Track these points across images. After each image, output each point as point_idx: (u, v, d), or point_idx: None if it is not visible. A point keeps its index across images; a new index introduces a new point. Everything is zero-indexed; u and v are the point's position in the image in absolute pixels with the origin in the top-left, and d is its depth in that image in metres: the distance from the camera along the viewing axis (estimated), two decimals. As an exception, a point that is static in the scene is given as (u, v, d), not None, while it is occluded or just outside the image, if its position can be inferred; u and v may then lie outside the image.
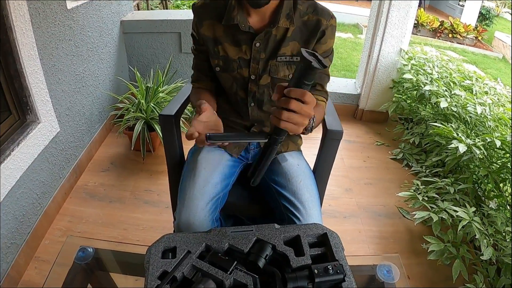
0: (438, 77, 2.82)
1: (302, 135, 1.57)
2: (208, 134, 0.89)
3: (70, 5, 2.37)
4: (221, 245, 0.99)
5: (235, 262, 0.94)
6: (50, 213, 2.31)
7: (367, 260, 1.26)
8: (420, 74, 2.94)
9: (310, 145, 1.84)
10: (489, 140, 2.06)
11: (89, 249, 1.32)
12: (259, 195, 1.51)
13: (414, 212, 2.05)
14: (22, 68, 1.94)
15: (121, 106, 2.83)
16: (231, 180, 1.46)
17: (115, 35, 3.13)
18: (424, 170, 2.66)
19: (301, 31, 1.27)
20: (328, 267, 0.92)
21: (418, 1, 3.09)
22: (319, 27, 1.25)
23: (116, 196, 2.53)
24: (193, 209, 1.27)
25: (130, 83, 2.93)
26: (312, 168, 1.53)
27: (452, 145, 2.12)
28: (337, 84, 3.61)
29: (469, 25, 8.55)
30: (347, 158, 2.99)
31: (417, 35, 8.07)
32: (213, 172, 1.38)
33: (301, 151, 1.58)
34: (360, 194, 2.61)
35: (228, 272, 0.91)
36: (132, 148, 2.86)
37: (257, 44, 1.27)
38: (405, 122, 3.25)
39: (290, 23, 1.24)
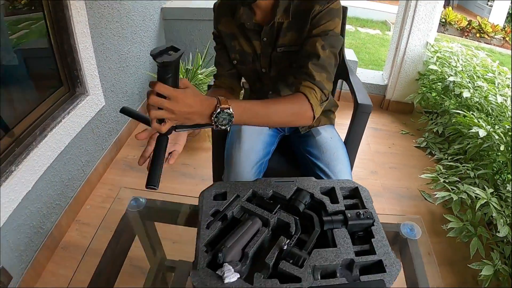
0: (462, 70, 2.92)
1: (333, 112, 1.68)
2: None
3: (118, -10, 2.54)
4: (266, 192, 1.13)
5: (279, 205, 1.08)
6: (92, 181, 2.49)
7: (392, 219, 1.38)
8: (445, 67, 3.04)
9: (342, 121, 1.97)
10: (508, 127, 2.16)
11: (141, 199, 1.44)
12: (295, 164, 1.63)
13: (435, 193, 2.16)
14: (76, 44, 2.09)
15: None
16: (271, 149, 1.59)
17: (156, 20, 3.30)
18: (446, 157, 2.76)
19: (297, 21, 1.26)
20: (360, 212, 1.05)
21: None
22: (310, 11, 1.22)
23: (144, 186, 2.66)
24: (240, 171, 1.40)
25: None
26: (343, 140, 1.64)
27: (473, 130, 2.22)
28: (365, 75, 3.73)
29: (497, 25, 8.48)
30: (373, 144, 3.11)
31: (444, 33, 8.05)
32: (256, 140, 1.50)
33: (333, 125, 1.68)
34: (384, 177, 2.72)
35: (273, 213, 1.05)
36: None
37: (265, 39, 1.33)
38: (430, 114, 3.35)
39: (286, 17, 1.25)
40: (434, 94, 3.19)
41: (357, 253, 0.97)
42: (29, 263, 1.90)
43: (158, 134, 0.98)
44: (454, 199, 2.07)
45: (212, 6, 1.44)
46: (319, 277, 0.93)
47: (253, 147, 1.47)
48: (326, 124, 1.63)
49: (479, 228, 1.97)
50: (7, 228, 1.71)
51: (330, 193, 1.16)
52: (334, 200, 1.12)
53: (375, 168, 2.82)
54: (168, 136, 0.99)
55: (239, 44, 1.39)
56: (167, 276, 1.65)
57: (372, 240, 1.00)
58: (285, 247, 0.96)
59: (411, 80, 3.44)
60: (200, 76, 2.87)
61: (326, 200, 1.11)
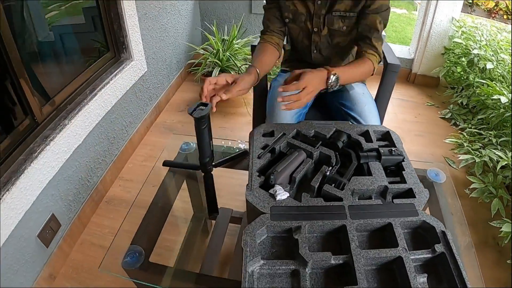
0: (486, 44, 2.99)
1: None
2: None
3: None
4: (308, 132, 1.28)
5: (320, 141, 1.24)
6: (134, 141, 2.68)
7: (419, 165, 1.51)
8: (470, 40, 3.11)
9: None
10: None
11: (192, 143, 1.61)
12: (330, 116, 1.77)
13: (459, 156, 2.28)
14: (122, 12, 2.24)
15: (200, 53, 3.16)
16: (309, 103, 1.73)
17: (191, -4, 3.44)
18: (470, 127, 2.85)
19: None
20: (392, 149, 1.20)
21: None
22: None
23: (193, 131, 2.79)
24: (280, 121, 1.55)
25: (208, 35, 3.23)
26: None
27: (495, 98, 2.32)
28: (392, 49, 3.78)
29: (526, 6, 8.34)
30: (399, 113, 3.21)
31: (471, 14, 7.96)
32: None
33: (365, 83, 1.81)
34: (410, 143, 2.83)
35: (316, 147, 1.20)
36: None
37: (319, 2, 1.48)
38: (454, 88, 3.40)
39: None
40: (459, 69, 3.25)
41: (390, 183, 1.11)
42: (76, 213, 2.06)
43: None
44: (476, 162, 2.18)
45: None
46: (357, 199, 1.08)
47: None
48: (358, 82, 1.75)
49: (500, 190, 2.07)
50: (58, 178, 1.87)
51: (365, 135, 1.30)
52: (369, 140, 1.27)
53: (402, 135, 2.81)
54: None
55: (293, 4, 1.54)
56: (208, 223, 1.83)
57: (403, 172, 1.14)
58: (327, 174, 1.11)
59: (437, 54, 3.50)
60: (235, 46, 3.03)
61: (361, 139, 1.25)
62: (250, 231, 0.96)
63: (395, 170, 1.19)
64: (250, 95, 1.88)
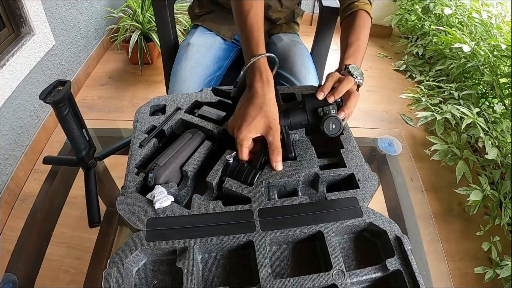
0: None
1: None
2: None
3: None
4: (212, 101, 0.96)
5: (225, 113, 0.91)
6: (48, 126, 2.35)
7: (368, 133, 1.23)
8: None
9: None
10: (494, 44, 2.00)
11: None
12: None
13: (417, 113, 2.03)
14: None
15: (117, 17, 2.83)
16: (225, 63, 1.43)
17: None
18: (428, 79, 2.62)
19: None
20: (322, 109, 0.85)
21: None
22: None
23: (115, 106, 2.56)
24: (184, 89, 1.26)
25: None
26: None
27: (456, 46, 2.06)
28: (337, -3, 3.50)
29: None
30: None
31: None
32: (205, 54, 1.35)
33: (298, 34, 1.53)
34: (362, 100, 2.57)
35: (220, 123, 0.89)
36: (130, 60, 2.88)
37: None
38: (409, 38, 3.20)
39: None
40: (413, 17, 3.01)
41: (323, 168, 0.81)
42: (-14, 220, 1.76)
43: None
44: (437, 119, 1.94)
45: None
46: (276, 197, 0.77)
47: (201, 61, 1.32)
48: (288, 32, 1.48)
49: (465, 151, 1.86)
50: None
51: (291, 99, 0.99)
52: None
53: None
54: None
55: None
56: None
57: (341, 150, 0.83)
58: (231, 162, 0.78)
59: (388, 1, 3.25)
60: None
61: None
62: (117, 259, 0.65)
63: (333, 151, 0.87)
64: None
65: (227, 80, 1.42)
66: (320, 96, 0.82)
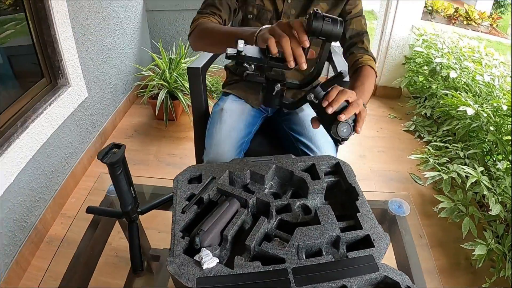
0: (448, 52, 2.89)
1: None
2: None
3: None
4: (243, 172, 1.08)
5: (257, 184, 1.05)
6: (76, 174, 2.44)
7: (379, 196, 1.35)
8: (431, 49, 3.01)
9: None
10: (496, 105, 2.13)
11: None
12: (278, 143, 1.60)
13: (425, 173, 2.14)
14: (56, 34, 2.05)
15: (146, 74, 2.98)
16: (253, 129, 1.56)
17: (138, 12, 3.27)
18: (435, 140, 2.72)
19: None
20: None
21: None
22: None
23: (140, 159, 2.65)
24: (221, 151, 1.36)
25: (153, 54, 3.05)
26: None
27: (461, 109, 2.20)
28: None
29: (484, 12, 8.48)
30: (360, 128, 3.07)
31: (431, 21, 8.02)
32: (238, 119, 1.48)
33: None
34: (373, 160, 2.70)
35: (252, 193, 1.01)
36: (156, 116, 3.01)
37: (289, 1, 1.37)
38: (417, 98, 3.31)
39: None
40: (421, 78, 3.16)
41: (343, 230, 0.93)
42: (14, 258, 1.84)
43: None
44: (444, 179, 2.04)
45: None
46: (304, 257, 0.89)
47: (235, 125, 1.45)
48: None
49: (471, 208, 1.94)
50: None
51: (311, 169, 1.12)
52: (315, 176, 1.08)
53: (363, 152, 2.79)
54: None
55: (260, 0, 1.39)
56: (151, 264, 1.61)
57: (358, 214, 0.96)
58: (266, 228, 0.92)
59: (397, 64, 3.41)
60: (183, 65, 2.86)
61: (306, 177, 1.06)
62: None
63: (349, 213, 1.00)
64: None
65: (255, 145, 1.55)
66: (329, 110, 0.92)
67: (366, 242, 0.91)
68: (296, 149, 1.44)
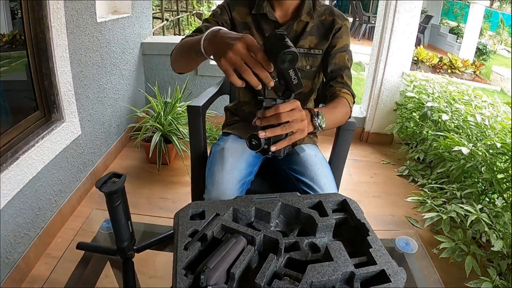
0: (439, 96, 2.96)
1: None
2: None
3: (99, 19, 2.56)
4: (248, 209, 1.04)
5: (264, 222, 1.01)
6: (64, 213, 2.36)
7: (386, 235, 1.32)
8: (422, 94, 3.08)
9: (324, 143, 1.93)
10: (489, 143, 2.16)
11: None
12: (278, 184, 1.58)
13: (423, 215, 2.13)
14: (54, 67, 2.05)
15: (140, 116, 2.99)
16: (254, 169, 1.54)
17: (135, 55, 3.31)
18: (430, 182, 2.74)
19: (318, 28, 1.45)
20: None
21: (417, 27, 3.29)
22: (334, 24, 1.43)
23: (131, 202, 2.50)
24: (223, 189, 1.33)
25: (149, 97, 3.07)
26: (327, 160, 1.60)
27: (455, 149, 2.22)
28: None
29: (467, 60, 8.77)
30: (355, 174, 3.08)
31: (417, 71, 8.25)
32: (239, 159, 1.45)
33: (317, 145, 1.67)
34: (368, 205, 2.67)
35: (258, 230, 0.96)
36: (148, 159, 2.98)
37: None
38: (409, 144, 3.36)
39: (311, 18, 1.42)
40: (412, 124, 3.21)
41: (356, 266, 0.90)
42: (-9, 297, 1.74)
43: None
44: (443, 219, 2.04)
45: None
46: (317, 294, 0.85)
47: (236, 165, 1.43)
48: (309, 143, 1.63)
49: (472, 246, 1.94)
50: None
51: (318, 207, 1.09)
52: (323, 213, 1.05)
53: (359, 198, 2.72)
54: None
55: (251, 34, 1.38)
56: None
57: (370, 250, 0.93)
58: (275, 266, 0.88)
59: (389, 111, 3.47)
60: (179, 109, 2.88)
61: (314, 214, 1.03)
62: None
63: (361, 249, 0.97)
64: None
65: (255, 186, 1.52)
66: (256, 122, 0.96)
67: (381, 278, 0.88)
68: (298, 189, 1.42)
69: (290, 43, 0.84)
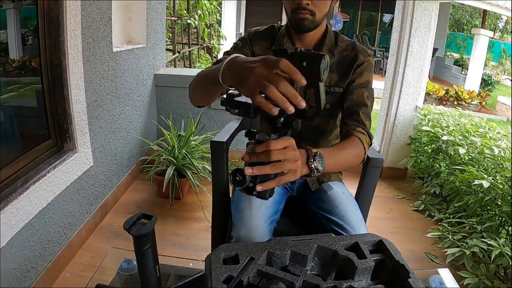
0: (453, 129, 2.95)
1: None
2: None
3: (115, 48, 2.57)
4: (283, 252, 0.99)
5: (302, 266, 0.96)
6: (73, 246, 2.30)
7: (419, 274, 1.27)
8: (436, 127, 3.07)
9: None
10: (508, 176, 2.15)
11: (134, 262, 1.23)
12: (306, 224, 1.53)
13: (445, 251, 2.08)
14: (69, 95, 2.03)
15: (155, 149, 2.96)
16: (280, 208, 1.50)
17: (148, 86, 3.33)
18: (447, 217, 2.70)
19: (340, 64, 1.38)
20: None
21: (430, 61, 3.32)
22: (355, 60, 1.37)
23: None
24: (252, 226, 1.29)
25: (163, 129, 3.05)
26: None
27: (476, 183, 2.20)
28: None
29: (473, 91, 8.82)
30: (371, 210, 2.99)
31: (424, 104, 8.29)
32: None
33: (343, 181, 1.63)
34: (386, 242, 2.62)
35: (298, 275, 0.92)
36: (160, 193, 2.94)
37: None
38: (422, 179, 3.34)
39: (332, 55, 1.36)
40: (425, 157, 3.20)
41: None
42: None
43: None
44: (466, 254, 2.02)
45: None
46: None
47: (263, 202, 1.37)
48: (336, 180, 1.58)
49: (495, 281, 1.92)
50: None
51: (354, 248, 1.05)
52: (361, 255, 1.01)
53: (376, 233, 2.71)
54: None
55: None
56: None
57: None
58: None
59: (402, 145, 3.46)
60: (193, 142, 2.86)
61: (352, 256, 0.99)
62: None
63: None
64: (208, 198, 1.61)
65: (280, 226, 1.47)
66: (244, 158, 0.89)
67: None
68: (326, 228, 1.37)
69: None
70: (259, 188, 0.89)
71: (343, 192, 1.49)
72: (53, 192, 1.97)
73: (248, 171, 0.86)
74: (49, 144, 2.06)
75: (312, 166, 0.99)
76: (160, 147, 2.95)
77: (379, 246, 1.08)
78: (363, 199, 1.57)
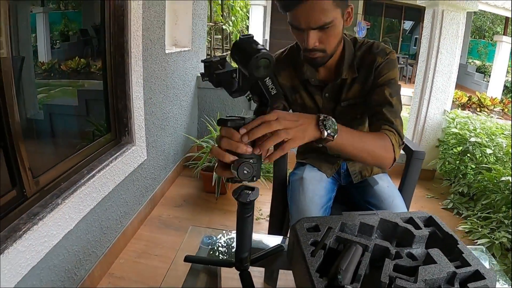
0: (480, 131, 3.11)
1: None
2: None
3: (167, 50, 2.74)
4: (354, 223, 1.17)
5: (372, 232, 1.15)
6: (127, 234, 2.44)
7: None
8: (464, 130, 3.23)
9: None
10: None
11: (214, 237, 1.38)
12: (356, 210, 1.68)
13: (476, 241, 2.25)
14: (130, 91, 2.15)
15: (200, 145, 3.10)
16: (332, 195, 1.61)
17: (192, 87, 3.50)
18: (475, 213, 2.83)
19: (360, 74, 1.37)
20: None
21: (458, 67, 3.46)
22: (373, 63, 1.33)
23: (204, 225, 2.74)
24: (309, 215, 1.41)
25: (210, 127, 3.21)
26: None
27: (503, 179, 2.36)
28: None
29: (495, 98, 8.83)
30: (405, 207, 3.19)
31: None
32: (318, 186, 1.54)
33: (386, 172, 1.69)
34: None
35: (371, 239, 1.10)
36: (206, 187, 3.08)
37: (326, 95, 1.42)
38: (449, 180, 3.47)
39: (353, 73, 1.36)
40: (453, 159, 3.34)
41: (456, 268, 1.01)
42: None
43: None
44: (495, 244, 2.17)
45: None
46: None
47: (316, 192, 1.51)
48: (380, 173, 1.66)
49: None
50: (42, 265, 1.60)
51: (410, 222, 1.21)
52: (417, 226, 1.18)
53: None
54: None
55: (300, 98, 1.47)
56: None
57: (463, 255, 1.05)
58: (391, 267, 1.01)
59: (431, 147, 3.61)
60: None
61: (410, 227, 1.16)
62: None
63: (448, 255, 1.10)
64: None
65: (334, 211, 1.61)
66: (243, 139, 0.84)
67: (476, 276, 0.99)
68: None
69: (261, 46, 0.77)
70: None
71: (388, 186, 1.58)
72: (114, 181, 2.09)
73: (256, 150, 0.86)
74: (108, 137, 2.18)
75: (322, 128, 0.98)
76: (208, 144, 3.09)
77: (430, 221, 1.24)
78: (405, 191, 1.70)
